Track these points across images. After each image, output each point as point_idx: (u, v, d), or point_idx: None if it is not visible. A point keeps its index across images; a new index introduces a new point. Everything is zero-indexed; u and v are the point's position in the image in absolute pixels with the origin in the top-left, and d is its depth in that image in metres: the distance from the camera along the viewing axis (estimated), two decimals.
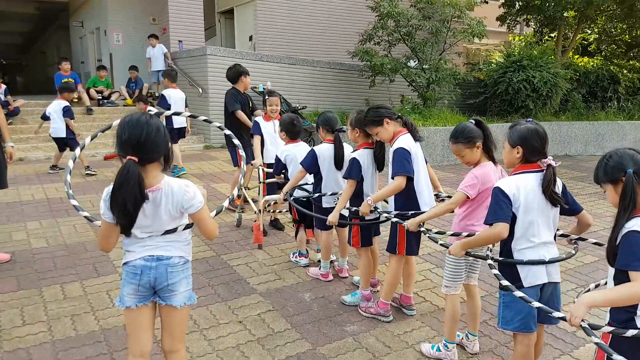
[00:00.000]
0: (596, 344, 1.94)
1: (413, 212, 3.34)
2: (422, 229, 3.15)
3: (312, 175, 4.25)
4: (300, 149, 4.69)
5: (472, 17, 10.19)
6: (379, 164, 3.76)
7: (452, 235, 3.04)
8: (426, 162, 3.65)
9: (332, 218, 3.69)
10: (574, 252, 2.71)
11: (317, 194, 4.17)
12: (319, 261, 4.42)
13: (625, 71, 12.30)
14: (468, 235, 2.90)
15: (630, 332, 1.90)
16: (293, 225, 4.84)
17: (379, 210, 3.49)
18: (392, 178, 3.38)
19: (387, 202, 3.71)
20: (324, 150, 4.11)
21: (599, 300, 1.98)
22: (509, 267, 2.53)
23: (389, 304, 3.65)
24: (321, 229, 4.27)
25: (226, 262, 4.60)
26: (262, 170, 5.28)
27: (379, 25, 10.15)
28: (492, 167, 2.99)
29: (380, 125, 3.48)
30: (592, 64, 12.94)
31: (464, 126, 3.04)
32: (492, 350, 3.28)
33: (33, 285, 4.04)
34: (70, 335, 3.33)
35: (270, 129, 5.55)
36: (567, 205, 2.58)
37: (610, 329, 1.95)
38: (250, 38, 13.85)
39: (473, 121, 3.04)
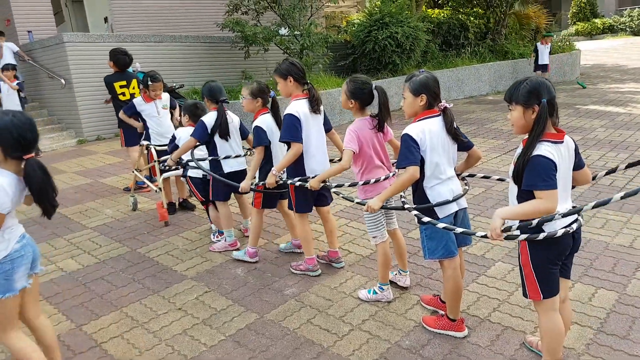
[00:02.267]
0: (525, 239, 2.28)
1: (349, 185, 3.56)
2: (333, 189, 3.41)
3: (205, 146, 4.33)
4: None
5: None
6: (278, 126, 3.88)
7: (350, 185, 3.37)
8: (330, 129, 3.88)
9: (244, 185, 3.86)
10: (467, 187, 3.08)
11: (211, 157, 4.26)
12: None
13: (472, 18, 13.52)
14: (365, 183, 3.23)
15: (542, 235, 2.26)
16: (203, 208, 4.84)
17: (283, 178, 3.68)
18: (280, 141, 3.63)
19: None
20: (213, 119, 4.19)
21: (510, 213, 2.29)
22: (422, 202, 2.82)
23: (314, 258, 3.87)
24: (220, 199, 4.34)
25: (145, 255, 4.46)
26: (151, 150, 5.31)
27: None
28: (369, 121, 3.29)
29: (283, 79, 3.65)
30: (442, 15, 14.02)
31: (362, 81, 3.27)
32: (419, 283, 3.65)
33: None
34: (1, 358, 3.09)
35: (151, 110, 5.55)
36: (465, 140, 2.91)
37: (525, 236, 2.28)
38: (106, 20, 12.89)
39: (376, 89, 3.24)
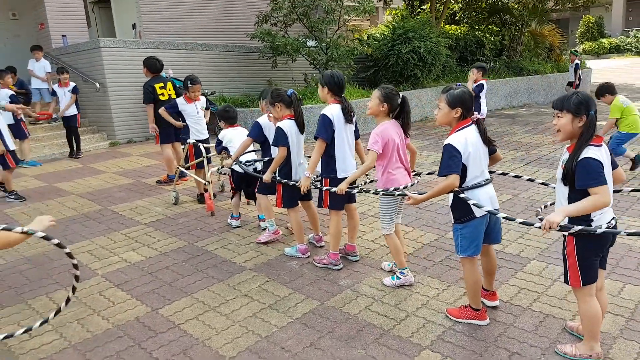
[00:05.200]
0: (579, 230, 2.60)
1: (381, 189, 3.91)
2: (356, 190, 3.87)
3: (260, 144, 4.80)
4: (238, 132, 5.30)
5: None
6: (300, 127, 4.33)
7: (374, 193, 3.69)
8: (357, 137, 4.25)
9: (266, 177, 4.32)
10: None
11: (267, 158, 4.69)
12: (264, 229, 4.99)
13: (488, 35, 13.96)
14: (385, 192, 3.63)
15: (599, 230, 2.59)
16: (230, 190, 5.54)
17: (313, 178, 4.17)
18: (314, 138, 4.03)
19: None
20: (268, 121, 4.64)
21: (571, 210, 2.60)
22: (462, 204, 3.10)
23: (337, 254, 4.24)
24: (261, 192, 4.74)
25: (202, 248, 4.81)
26: (200, 147, 5.83)
27: (276, 7, 10.45)
28: (393, 123, 3.73)
29: (322, 87, 4.08)
30: (459, 31, 14.47)
31: (392, 91, 3.71)
32: (462, 278, 3.98)
33: (15, 300, 3.95)
34: (87, 337, 3.39)
35: (192, 110, 6.14)
36: (495, 145, 3.26)
37: (579, 227, 2.61)
38: (134, 26, 13.33)
39: (400, 96, 3.73)
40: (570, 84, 13.55)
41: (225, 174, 6.16)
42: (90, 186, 7.31)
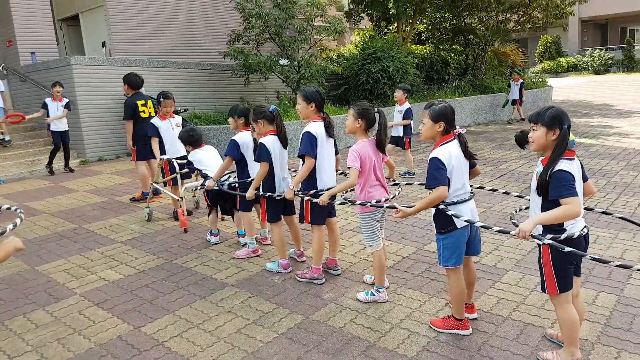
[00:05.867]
0: (549, 244, 2.72)
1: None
2: (340, 200, 3.94)
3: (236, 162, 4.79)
4: (207, 151, 5.39)
5: (331, 15, 11.19)
6: (283, 142, 4.38)
7: (360, 204, 3.76)
8: (337, 153, 4.35)
9: (249, 194, 4.35)
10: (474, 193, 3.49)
11: (249, 179, 4.69)
12: (244, 245, 5.04)
13: (453, 55, 14.43)
14: (362, 204, 3.71)
15: (563, 236, 2.74)
16: (206, 207, 5.49)
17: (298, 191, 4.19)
18: (298, 156, 4.08)
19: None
20: (245, 138, 4.71)
21: (543, 219, 2.74)
22: (443, 215, 3.21)
23: (320, 269, 4.30)
24: (244, 210, 4.80)
25: (182, 265, 4.78)
26: (173, 162, 5.87)
27: (249, 26, 10.56)
28: (370, 142, 3.83)
29: (306, 103, 4.11)
30: (425, 51, 14.90)
31: (366, 107, 3.82)
32: (444, 289, 4.09)
33: None
34: (69, 356, 3.33)
35: (167, 127, 6.11)
36: (475, 159, 3.41)
37: (551, 235, 2.75)
38: (104, 44, 13.21)
39: (377, 112, 3.84)
40: (514, 102, 14.03)
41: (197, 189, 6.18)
42: (63, 205, 7.16)
